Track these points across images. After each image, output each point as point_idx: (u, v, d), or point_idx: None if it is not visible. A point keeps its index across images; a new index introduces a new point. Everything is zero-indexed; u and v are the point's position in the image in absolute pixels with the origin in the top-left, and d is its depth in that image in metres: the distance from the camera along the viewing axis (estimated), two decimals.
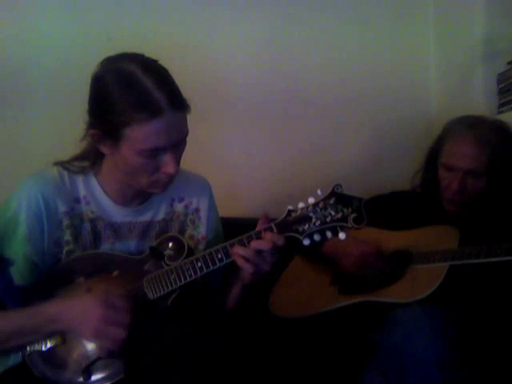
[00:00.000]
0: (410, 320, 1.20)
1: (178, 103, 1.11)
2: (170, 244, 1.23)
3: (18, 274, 1.17)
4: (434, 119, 2.13)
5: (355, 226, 1.11)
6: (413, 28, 2.18)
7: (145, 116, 1.07)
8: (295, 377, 1.30)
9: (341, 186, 1.14)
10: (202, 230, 1.35)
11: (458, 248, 1.37)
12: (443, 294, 1.28)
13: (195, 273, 1.15)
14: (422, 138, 1.90)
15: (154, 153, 1.11)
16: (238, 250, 1.14)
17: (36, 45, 1.88)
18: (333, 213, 1.12)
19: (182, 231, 1.33)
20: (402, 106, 2.18)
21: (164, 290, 1.16)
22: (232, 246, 1.15)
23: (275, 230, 1.14)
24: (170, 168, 1.13)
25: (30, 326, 1.11)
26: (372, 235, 1.56)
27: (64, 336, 1.13)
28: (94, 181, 1.26)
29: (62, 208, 1.21)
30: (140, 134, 1.08)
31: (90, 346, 1.12)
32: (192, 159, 1.29)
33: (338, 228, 1.13)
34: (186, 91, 1.15)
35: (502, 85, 1.81)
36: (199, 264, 1.15)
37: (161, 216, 1.31)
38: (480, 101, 1.89)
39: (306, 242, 1.14)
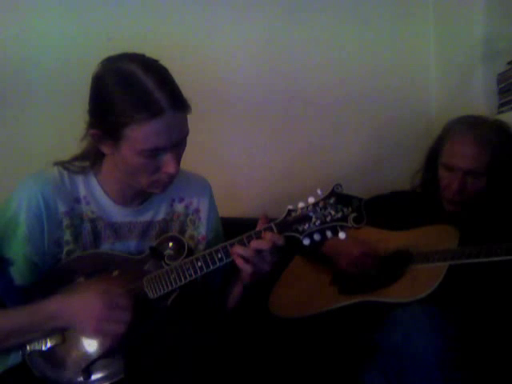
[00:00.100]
0: (410, 320, 1.21)
1: (179, 103, 1.11)
2: (170, 244, 1.23)
3: (18, 274, 1.17)
4: (434, 119, 2.13)
5: (355, 225, 1.11)
6: (413, 28, 2.18)
7: (145, 116, 1.07)
8: (295, 377, 1.30)
9: (341, 186, 1.14)
10: (202, 230, 1.35)
11: (458, 248, 1.37)
12: (443, 293, 1.28)
13: (195, 272, 1.15)
14: (421, 137, 1.91)
15: (155, 153, 1.11)
16: (238, 250, 1.14)
17: (36, 45, 1.88)
18: (333, 212, 1.12)
19: (182, 231, 1.33)
20: (401, 106, 2.18)
21: (164, 289, 1.16)
22: (232, 245, 1.15)
23: (275, 229, 1.14)
24: (170, 168, 1.13)
25: (30, 323, 1.11)
26: (372, 235, 1.56)
27: (64, 335, 1.13)
28: (94, 181, 1.26)
29: (62, 208, 1.21)
30: (140, 134, 1.08)
31: (90, 346, 1.12)
32: (192, 159, 1.29)
33: (338, 228, 1.13)
34: (186, 91, 1.14)
35: (502, 85, 1.81)
36: (199, 264, 1.15)
37: (161, 216, 1.31)
38: (480, 101, 1.89)
39: (306, 241, 1.14)
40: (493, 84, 1.86)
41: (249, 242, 1.14)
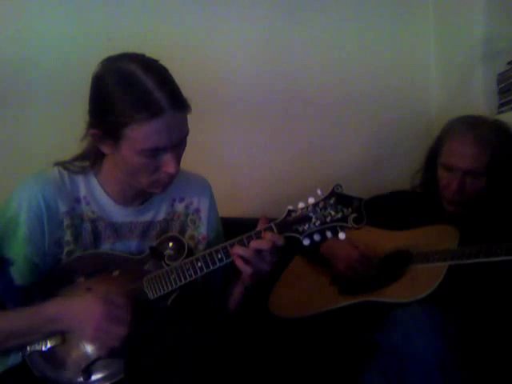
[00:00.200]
0: (410, 320, 1.21)
1: (179, 103, 1.11)
2: (170, 244, 1.23)
3: (18, 274, 1.17)
4: (434, 119, 2.13)
5: (355, 226, 1.11)
6: (413, 28, 2.18)
7: (145, 116, 1.07)
8: (295, 377, 1.30)
9: (341, 186, 1.14)
10: (202, 230, 1.35)
11: (458, 248, 1.37)
12: (443, 293, 1.28)
13: (195, 273, 1.15)
14: (421, 137, 1.91)
15: (155, 152, 1.11)
16: (238, 250, 1.14)
17: (36, 45, 1.88)
18: (333, 213, 1.12)
19: (182, 231, 1.33)
20: (401, 106, 2.18)
21: (164, 289, 1.16)
22: (232, 245, 1.15)
23: (275, 229, 1.14)
24: (170, 168, 1.13)
25: (30, 325, 1.11)
26: (372, 235, 1.56)
27: (64, 336, 1.13)
28: (94, 181, 1.26)
29: (62, 208, 1.21)
30: (140, 134, 1.08)
31: (90, 346, 1.12)
32: (192, 159, 1.29)
33: (338, 228, 1.13)
34: (186, 91, 1.14)
35: (502, 85, 1.81)
36: (199, 264, 1.15)
37: (161, 216, 1.31)
38: (480, 101, 1.89)
39: (306, 241, 1.14)
40: (493, 84, 1.86)
41: (249, 243, 1.14)
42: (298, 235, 1.14)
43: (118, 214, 1.26)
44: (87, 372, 1.10)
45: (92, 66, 1.14)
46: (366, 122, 2.17)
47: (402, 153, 2.14)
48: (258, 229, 1.16)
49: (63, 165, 1.25)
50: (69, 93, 1.77)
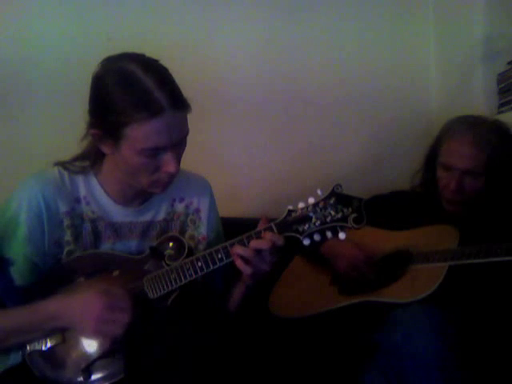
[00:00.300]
0: (410, 320, 1.21)
1: (179, 103, 1.11)
2: (171, 244, 1.23)
3: (18, 274, 1.17)
4: (434, 119, 2.13)
5: (355, 226, 1.11)
6: (413, 28, 2.18)
7: (145, 115, 1.07)
8: (295, 377, 1.30)
9: (341, 186, 1.14)
10: (202, 230, 1.35)
11: (458, 248, 1.37)
12: (443, 293, 1.28)
13: (195, 272, 1.15)
14: (421, 137, 1.90)
15: (155, 152, 1.12)
16: (238, 250, 1.14)
17: (36, 45, 1.88)
18: (333, 213, 1.12)
19: (182, 231, 1.33)
20: (401, 106, 2.18)
21: (164, 289, 1.16)
22: (232, 245, 1.15)
23: (275, 229, 1.14)
24: (170, 167, 1.14)
25: (30, 323, 1.11)
26: (372, 235, 1.56)
27: (64, 335, 1.13)
28: (94, 181, 1.26)
29: (62, 208, 1.21)
30: (140, 134, 1.08)
31: (90, 346, 1.12)
32: (192, 159, 1.29)
33: (338, 228, 1.13)
34: (186, 91, 1.15)
35: (502, 85, 1.81)
36: (199, 264, 1.15)
37: (161, 216, 1.31)
38: (480, 101, 1.89)
39: (306, 241, 1.14)
40: (493, 84, 1.86)
41: (249, 242, 1.14)
42: (298, 235, 1.14)
43: (118, 213, 1.27)
44: (87, 372, 1.11)
45: (92, 66, 1.14)
46: (366, 122, 2.17)
47: (401, 153, 2.13)
48: (258, 229, 1.16)
49: (63, 165, 1.25)
50: (69, 93, 1.77)
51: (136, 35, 1.88)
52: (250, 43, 2.06)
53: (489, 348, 1.28)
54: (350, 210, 1.12)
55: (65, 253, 1.21)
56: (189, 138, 1.18)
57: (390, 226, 1.58)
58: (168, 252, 1.21)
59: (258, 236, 1.14)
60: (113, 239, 1.26)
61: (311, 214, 1.13)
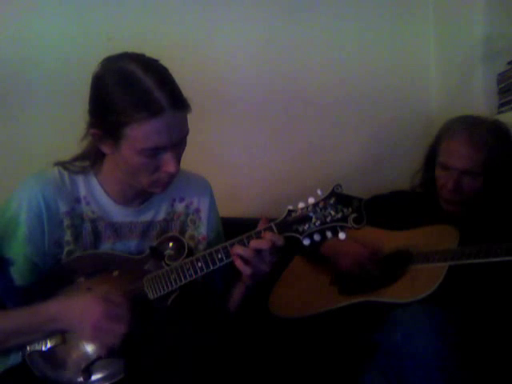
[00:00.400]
0: (410, 320, 1.21)
1: (179, 102, 1.11)
2: (171, 244, 1.23)
3: (18, 274, 1.17)
4: (434, 119, 2.13)
5: (355, 226, 1.11)
6: (413, 28, 2.18)
7: (145, 115, 1.07)
8: (295, 377, 1.30)
9: (341, 186, 1.14)
10: (202, 230, 1.35)
11: (458, 248, 1.37)
12: (443, 293, 1.28)
13: (195, 273, 1.15)
14: (421, 137, 1.90)
15: (155, 152, 1.12)
16: (238, 250, 1.14)
17: (36, 45, 1.88)
18: (333, 213, 1.12)
19: (182, 231, 1.33)
20: (401, 106, 2.18)
21: (164, 289, 1.16)
22: (232, 245, 1.15)
23: (275, 229, 1.14)
24: (170, 167, 1.14)
25: (30, 325, 1.11)
26: (372, 235, 1.56)
27: (64, 335, 1.13)
28: (94, 181, 1.26)
29: (62, 208, 1.21)
30: (140, 133, 1.08)
31: (91, 346, 1.12)
32: (192, 159, 1.29)
33: (338, 228, 1.13)
34: (186, 91, 1.15)
35: (502, 85, 1.81)
36: (199, 264, 1.15)
37: (161, 216, 1.31)
38: (480, 101, 1.89)
39: (306, 241, 1.14)
40: (493, 84, 1.85)
41: (249, 242, 1.14)
42: (298, 235, 1.14)
43: (118, 213, 1.27)
44: (87, 372, 1.10)
45: (92, 66, 1.14)
46: (366, 122, 2.16)
47: (401, 153, 2.13)
48: (258, 229, 1.16)
49: (63, 165, 1.25)
50: (69, 93, 1.77)
51: (136, 35, 1.88)
52: (249, 43, 2.06)
53: (489, 348, 1.28)
54: (350, 210, 1.12)
55: (65, 253, 1.21)
56: (189, 138, 1.18)
57: (390, 225, 1.58)
58: (168, 252, 1.21)
59: (258, 236, 1.14)
60: (113, 239, 1.25)
61: (311, 214, 1.13)
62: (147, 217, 1.29)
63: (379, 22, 2.15)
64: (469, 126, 1.54)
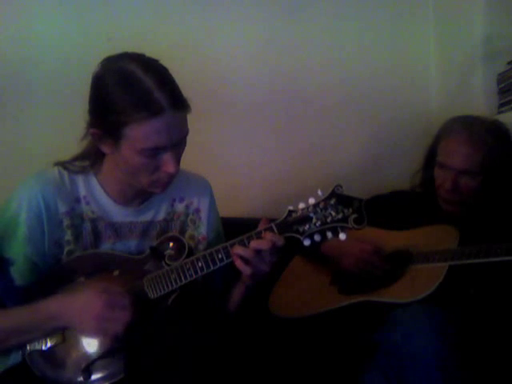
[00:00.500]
0: (410, 320, 1.21)
1: (179, 103, 1.11)
2: (171, 244, 1.23)
3: (18, 274, 1.17)
4: (434, 119, 2.12)
5: (356, 226, 1.11)
6: (413, 28, 2.18)
7: (145, 115, 1.07)
8: (295, 377, 1.30)
9: (341, 187, 1.14)
10: (202, 230, 1.35)
11: (458, 248, 1.37)
12: (443, 293, 1.28)
13: (196, 273, 1.15)
14: (421, 137, 1.90)
15: (154, 152, 1.12)
16: (238, 250, 1.14)
17: (36, 45, 1.88)
18: (333, 213, 1.12)
19: (182, 231, 1.33)
20: (401, 106, 2.18)
21: (164, 289, 1.16)
22: (232, 245, 1.15)
23: (275, 230, 1.14)
24: (170, 167, 1.14)
25: (31, 323, 1.11)
26: (372, 235, 1.56)
27: (64, 335, 1.13)
28: (94, 180, 1.26)
29: (62, 208, 1.21)
30: (140, 134, 1.09)
31: (90, 346, 1.12)
32: (192, 159, 1.29)
33: (339, 228, 1.13)
34: (186, 91, 1.15)
35: (502, 85, 1.81)
36: (200, 264, 1.15)
37: (162, 216, 1.31)
38: (480, 101, 1.89)
39: (307, 242, 1.14)
40: (493, 84, 1.85)
41: (249, 243, 1.14)
42: (298, 235, 1.14)
43: (118, 213, 1.27)
44: (87, 372, 1.10)
45: (92, 65, 1.14)
46: (366, 122, 2.16)
47: (401, 153, 2.13)
48: (258, 229, 1.16)
49: (63, 165, 1.25)
50: (69, 93, 1.77)
51: (136, 35, 1.88)
52: (250, 43, 2.06)
53: (489, 348, 1.28)
54: (351, 210, 1.12)
55: (65, 253, 1.21)
56: (189, 138, 1.18)
57: (390, 225, 1.58)
58: (168, 252, 1.21)
59: (259, 236, 1.14)
60: (113, 239, 1.26)
61: (312, 215, 1.13)
62: (147, 217, 1.29)
63: (379, 22, 2.15)
64: (467, 125, 1.54)
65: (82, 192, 1.25)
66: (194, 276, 1.16)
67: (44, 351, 1.13)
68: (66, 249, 1.21)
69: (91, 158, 1.25)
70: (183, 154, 1.19)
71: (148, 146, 1.10)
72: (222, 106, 2.01)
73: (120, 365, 1.09)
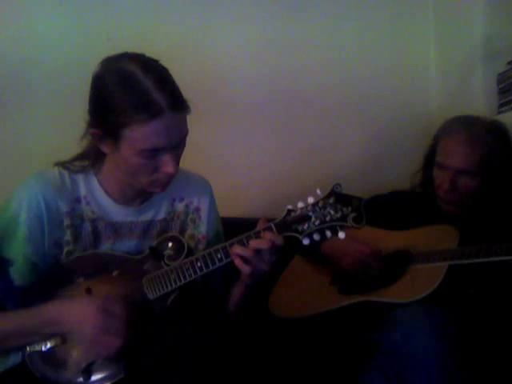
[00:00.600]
0: (410, 320, 1.21)
1: (179, 104, 1.11)
2: (170, 244, 1.22)
3: (17, 274, 1.17)
4: (434, 119, 2.12)
5: (355, 225, 1.11)
6: (413, 28, 2.18)
7: (145, 117, 1.07)
8: (295, 377, 1.30)
9: (340, 186, 1.14)
10: (202, 230, 1.35)
11: (458, 248, 1.37)
12: (443, 293, 1.28)
13: (195, 273, 1.15)
14: (421, 138, 1.90)
15: (154, 153, 1.12)
16: (237, 250, 1.14)
17: (36, 45, 1.88)
18: (332, 212, 1.12)
19: (182, 231, 1.33)
20: (401, 106, 2.18)
21: (164, 289, 1.16)
22: (231, 245, 1.15)
23: (274, 229, 1.14)
24: (169, 168, 1.14)
25: (29, 326, 1.11)
26: (372, 235, 1.56)
27: (64, 336, 1.13)
28: (94, 180, 1.26)
29: (62, 208, 1.21)
30: (139, 134, 1.08)
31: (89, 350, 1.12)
32: (192, 159, 1.30)
33: (338, 227, 1.13)
34: (185, 91, 1.14)
35: (502, 85, 1.81)
36: (199, 264, 1.15)
37: (162, 215, 1.31)
38: (480, 101, 1.89)
39: (306, 241, 1.14)
40: (493, 84, 1.85)
41: (248, 242, 1.14)
42: (297, 235, 1.14)
43: (118, 213, 1.26)
44: (87, 372, 1.10)
45: (92, 66, 1.14)
46: (366, 122, 2.17)
47: (401, 153, 2.13)
48: (257, 229, 1.16)
49: (63, 165, 1.25)
50: (69, 93, 1.77)
51: (136, 35, 1.88)
52: (250, 43, 2.06)
53: (489, 348, 1.28)
54: (350, 209, 1.12)
55: (64, 253, 1.21)
56: (189, 138, 1.18)
57: (390, 225, 1.58)
58: (167, 252, 1.21)
59: (258, 236, 1.14)
60: (113, 239, 1.25)
61: (310, 214, 1.13)
62: (147, 216, 1.29)
63: (379, 22, 2.15)
64: (466, 125, 1.54)
65: (83, 192, 1.25)
66: (194, 276, 1.15)
67: (44, 352, 1.13)
68: (66, 249, 1.21)
69: (91, 158, 1.25)
70: (183, 154, 1.19)
71: (147, 147, 1.10)
72: (222, 106, 2.01)
73: (120, 365, 1.09)
